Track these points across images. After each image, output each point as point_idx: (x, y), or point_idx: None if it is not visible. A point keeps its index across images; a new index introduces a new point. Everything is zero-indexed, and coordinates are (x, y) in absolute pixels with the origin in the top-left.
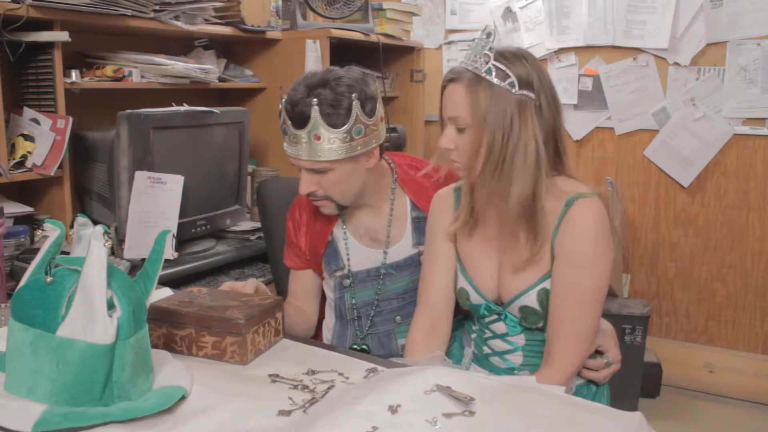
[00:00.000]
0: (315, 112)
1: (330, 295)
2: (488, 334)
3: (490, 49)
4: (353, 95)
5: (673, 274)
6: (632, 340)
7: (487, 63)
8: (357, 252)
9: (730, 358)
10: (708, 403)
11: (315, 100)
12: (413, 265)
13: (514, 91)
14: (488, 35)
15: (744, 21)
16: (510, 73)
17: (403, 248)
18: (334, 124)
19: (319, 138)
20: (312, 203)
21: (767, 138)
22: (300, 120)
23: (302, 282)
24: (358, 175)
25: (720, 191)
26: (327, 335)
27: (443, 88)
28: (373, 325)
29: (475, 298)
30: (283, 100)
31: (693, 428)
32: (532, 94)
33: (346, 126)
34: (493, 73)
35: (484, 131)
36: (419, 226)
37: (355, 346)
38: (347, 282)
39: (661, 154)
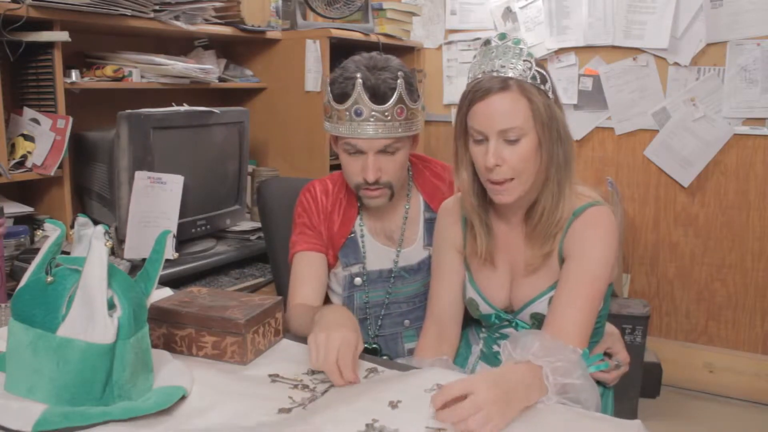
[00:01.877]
0: (401, 87)
1: (338, 290)
2: (498, 335)
3: (529, 55)
4: (414, 73)
5: (673, 274)
6: (632, 340)
7: (530, 69)
8: (373, 248)
9: (730, 358)
10: (708, 403)
11: (401, 72)
12: (425, 269)
13: (550, 95)
14: (517, 42)
15: (744, 21)
16: (547, 78)
17: (415, 250)
18: (413, 98)
19: (402, 113)
20: (331, 194)
21: (767, 138)
22: (384, 96)
23: (311, 268)
24: (408, 159)
25: (720, 191)
26: None
27: (473, 101)
28: (381, 327)
29: (485, 309)
30: (358, 81)
31: (693, 428)
32: (554, 97)
33: (420, 100)
34: (538, 79)
35: (546, 138)
36: (431, 227)
37: (366, 345)
38: (359, 281)
39: (661, 154)
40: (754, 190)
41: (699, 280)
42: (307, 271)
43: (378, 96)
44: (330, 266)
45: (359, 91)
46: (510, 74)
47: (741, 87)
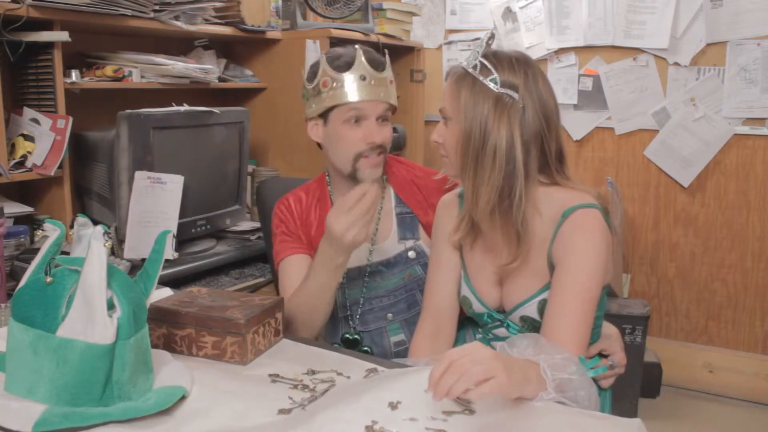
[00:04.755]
0: (387, 59)
1: None
2: (491, 336)
3: (482, 47)
4: None
5: (673, 274)
6: (632, 340)
7: (475, 59)
8: None
9: (730, 358)
10: (708, 403)
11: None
12: (402, 262)
13: (494, 87)
14: (491, 37)
15: (744, 21)
16: (493, 71)
17: (390, 244)
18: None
19: (392, 83)
20: (303, 201)
21: (767, 138)
22: (381, 64)
23: (302, 267)
24: None
25: (720, 191)
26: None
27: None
28: (365, 322)
29: (477, 307)
30: (359, 51)
31: (693, 428)
32: (515, 95)
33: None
34: (478, 69)
35: (464, 126)
36: (404, 221)
37: (347, 335)
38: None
39: (661, 154)
40: (754, 190)
41: (699, 280)
42: (296, 275)
43: (375, 64)
44: None
45: (361, 59)
46: (463, 64)
47: (741, 87)
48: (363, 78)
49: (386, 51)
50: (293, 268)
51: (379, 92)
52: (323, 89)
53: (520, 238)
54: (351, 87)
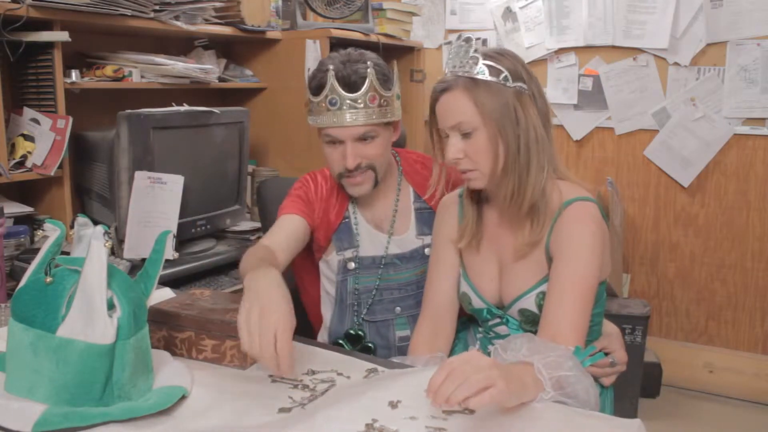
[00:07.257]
0: (372, 75)
1: (331, 277)
2: (492, 335)
3: (476, 51)
4: (390, 68)
5: (673, 274)
6: (632, 340)
7: (477, 64)
8: (366, 234)
9: (730, 358)
10: (708, 403)
11: (369, 62)
12: (417, 258)
13: (509, 84)
14: (467, 40)
15: (744, 21)
16: (502, 68)
17: (408, 238)
18: (386, 86)
19: (374, 99)
20: (329, 182)
21: (767, 138)
22: (355, 84)
23: (291, 224)
24: (389, 146)
25: (720, 191)
26: (326, 320)
27: (435, 100)
28: (372, 313)
29: (476, 303)
30: (330, 72)
31: (693, 428)
32: (524, 85)
33: (394, 87)
34: (487, 72)
35: (496, 129)
36: (422, 216)
37: (351, 331)
38: (352, 265)
39: (661, 154)
40: (754, 190)
41: (699, 280)
42: (282, 230)
43: (349, 84)
44: (321, 248)
45: (332, 82)
46: (459, 73)
47: (741, 87)
48: (333, 103)
49: (373, 65)
50: (284, 223)
51: (352, 116)
52: (306, 108)
53: (540, 214)
54: (322, 112)
